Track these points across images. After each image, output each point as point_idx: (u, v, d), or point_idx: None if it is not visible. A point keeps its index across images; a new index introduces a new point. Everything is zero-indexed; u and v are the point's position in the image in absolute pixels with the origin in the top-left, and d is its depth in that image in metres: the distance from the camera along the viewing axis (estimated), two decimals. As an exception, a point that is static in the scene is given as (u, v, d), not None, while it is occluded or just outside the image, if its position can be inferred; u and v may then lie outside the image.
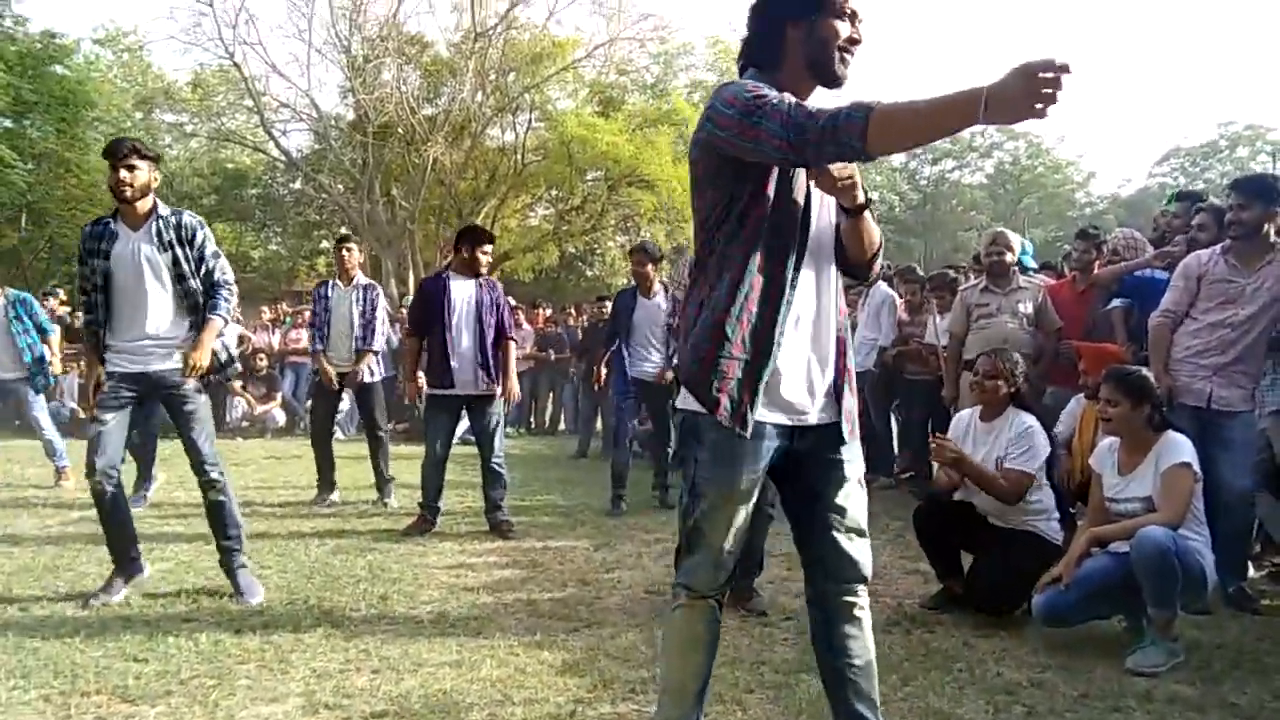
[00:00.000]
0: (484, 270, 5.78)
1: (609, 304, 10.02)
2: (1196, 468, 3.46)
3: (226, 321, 4.08)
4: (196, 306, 4.01)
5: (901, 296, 7.66)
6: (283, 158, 24.21)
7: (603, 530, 5.70)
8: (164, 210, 4.02)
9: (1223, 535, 3.82)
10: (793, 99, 1.96)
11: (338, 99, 24.08)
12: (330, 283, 6.75)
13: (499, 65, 22.07)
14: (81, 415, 9.78)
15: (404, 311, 14.76)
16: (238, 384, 11.06)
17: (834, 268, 2.22)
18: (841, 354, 2.22)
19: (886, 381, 7.47)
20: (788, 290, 2.08)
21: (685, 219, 21.54)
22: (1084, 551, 3.45)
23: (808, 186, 2.11)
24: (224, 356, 4.12)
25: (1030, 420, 3.97)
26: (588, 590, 4.28)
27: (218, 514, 4.06)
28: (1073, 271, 6.05)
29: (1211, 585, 3.51)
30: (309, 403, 8.47)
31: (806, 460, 2.20)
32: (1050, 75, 1.63)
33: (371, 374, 6.69)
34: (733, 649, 3.44)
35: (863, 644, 2.23)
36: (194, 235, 4.01)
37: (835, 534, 2.19)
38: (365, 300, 6.64)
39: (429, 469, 5.62)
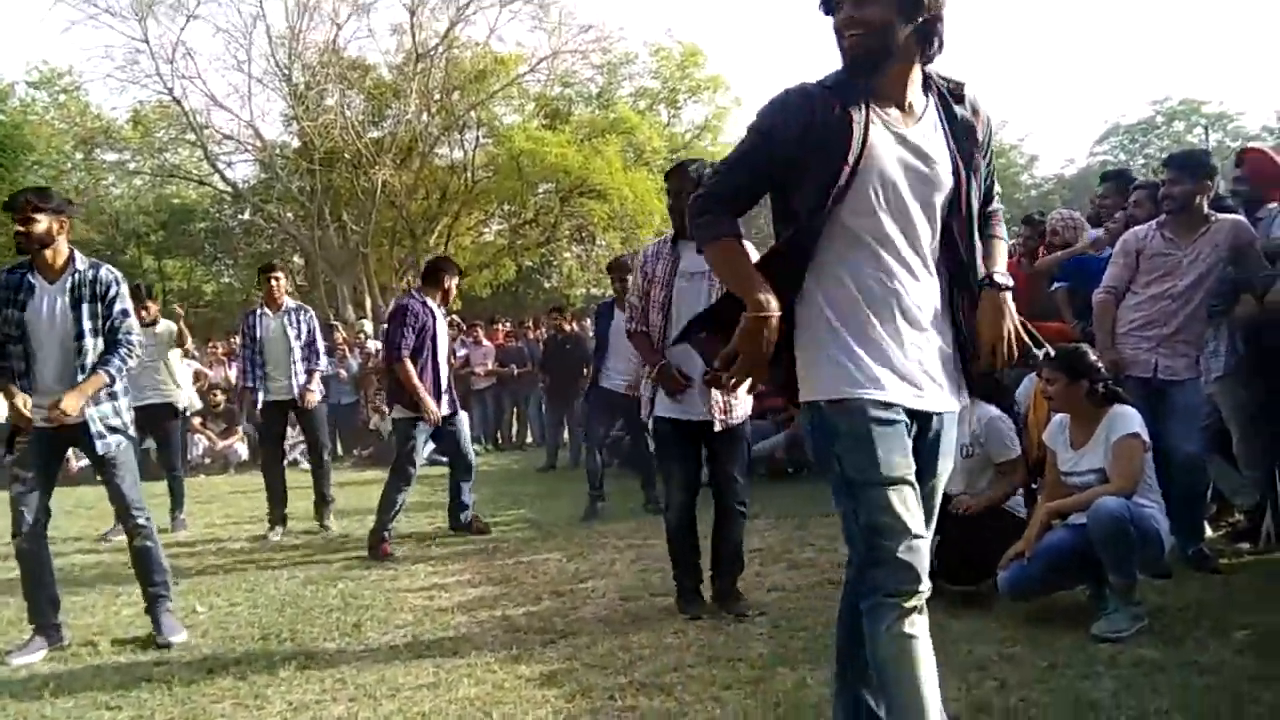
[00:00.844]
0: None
1: (563, 314, 10.09)
2: (1145, 437, 3.55)
3: (113, 380, 3.89)
4: (83, 366, 3.87)
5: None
6: (229, 189, 23.98)
7: (575, 541, 5.71)
8: (81, 264, 3.92)
9: (1177, 500, 3.93)
10: (725, 170, 2.15)
11: (281, 127, 23.90)
12: (259, 311, 6.66)
13: (443, 85, 22.05)
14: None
15: (361, 336, 14.69)
16: (197, 420, 10.92)
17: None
18: None
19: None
20: None
21: (639, 224, 21.67)
22: (1044, 525, 3.53)
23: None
24: (183, 404, 4.07)
25: (992, 411, 4.05)
26: (562, 602, 4.29)
27: (144, 560, 4.00)
28: (1019, 256, 6.17)
29: (1169, 548, 3.60)
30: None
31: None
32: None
33: (314, 396, 6.63)
34: (709, 647, 3.47)
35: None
36: (108, 290, 3.91)
37: None
38: (299, 323, 6.61)
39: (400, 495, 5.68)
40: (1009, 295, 2.12)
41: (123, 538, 6.21)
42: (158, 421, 6.80)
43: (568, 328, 10.51)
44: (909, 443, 2.04)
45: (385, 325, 7.04)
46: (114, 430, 3.94)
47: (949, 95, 2.10)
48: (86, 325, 3.87)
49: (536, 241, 24.08)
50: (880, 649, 2.02)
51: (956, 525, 3.92)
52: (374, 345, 13.85)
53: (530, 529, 6.27)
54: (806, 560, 4.76)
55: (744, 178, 2.10)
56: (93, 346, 3.89)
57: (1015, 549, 3.54)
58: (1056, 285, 5.45)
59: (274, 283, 6.65)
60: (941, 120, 2.08)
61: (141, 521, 3.98)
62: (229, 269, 29.01)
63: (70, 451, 4.68)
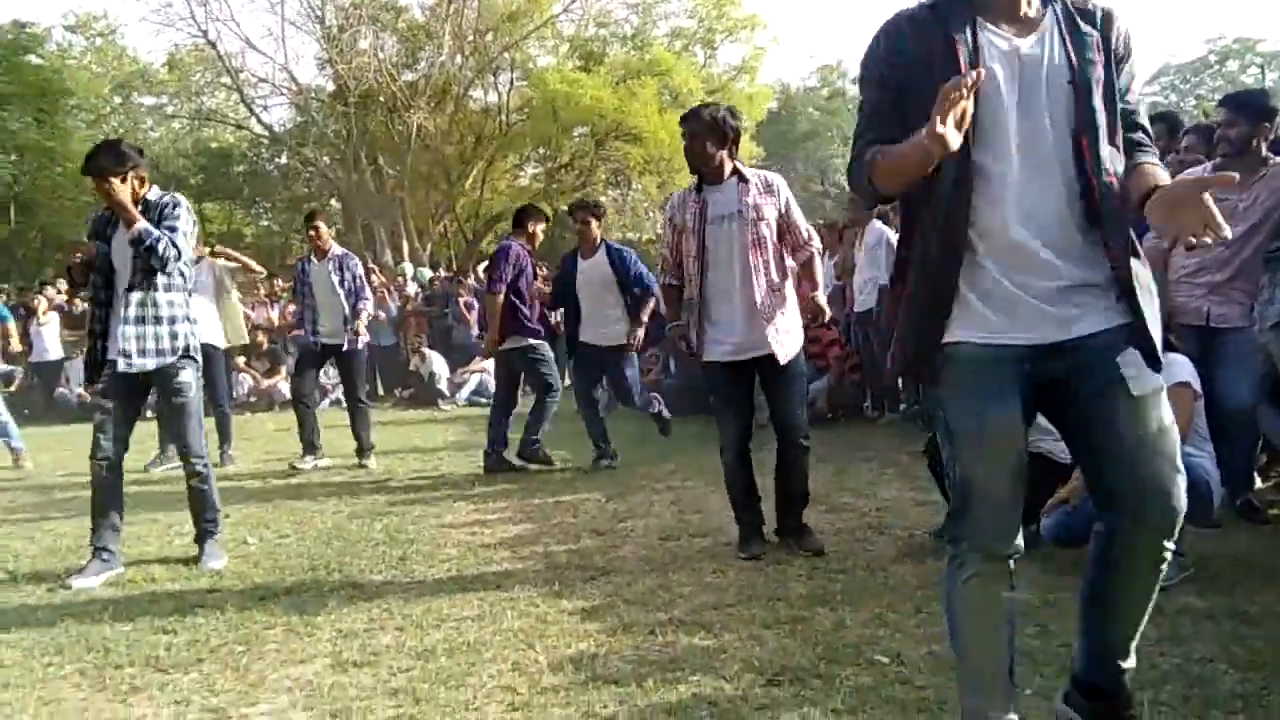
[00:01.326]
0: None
1: None
2: (1197, 386, 3.49)
3: (156, 240, 3.90)
4: (173, 286, 4.08)
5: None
6: (266, 133, 24.04)
7: (614, 481, 5.77)
8: (153, 196, 4.06)
9: (1227, 449, 3.87)
10: (860, 138, 1.99)
11: (316, 70, 23.95)
12: (308, 259, 6.86)
13: (475, 26, 21.83)
14: (87, 399, 9.88)
15: (400, 280, 14.77)
16: (241, 360, 11.11)
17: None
18: None
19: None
20: None
21: (675, 169, 21.45)
22: None
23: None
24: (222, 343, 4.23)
25: None
26: (603, 540, 4.34)
27: (198, 499, 4.21)
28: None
29: (1219, 499, 3.55)
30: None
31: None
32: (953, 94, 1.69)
33: (352, 342, 6.74)
34: (748, 586, 3.50)
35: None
36: (162, 210, 4.02)
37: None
38: (343, 270, 6.74)
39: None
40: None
41: (165, 469, 6.47)
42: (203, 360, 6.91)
43: None
44: (1016, 386, 1.90)
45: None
46: (189, 359, 4.13)
47: (1071, 6, 1.93)
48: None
49: (572, 186, 23.92)
50: (953, 600, 2.04)
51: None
52: (413, 288, 13.95)
53: (569, 470, 6.33)
54: (845, 504, 4.77)
55: (877, 133, 1.95)
56: (162, 284, 4.04)
57: (1059, 495, 3.51)
58: None
59: (314, 231, 6.78)
60: (1061, 32, 1.90)
61: (200, 468, 4.18)
62: (267, 212, 29.24)
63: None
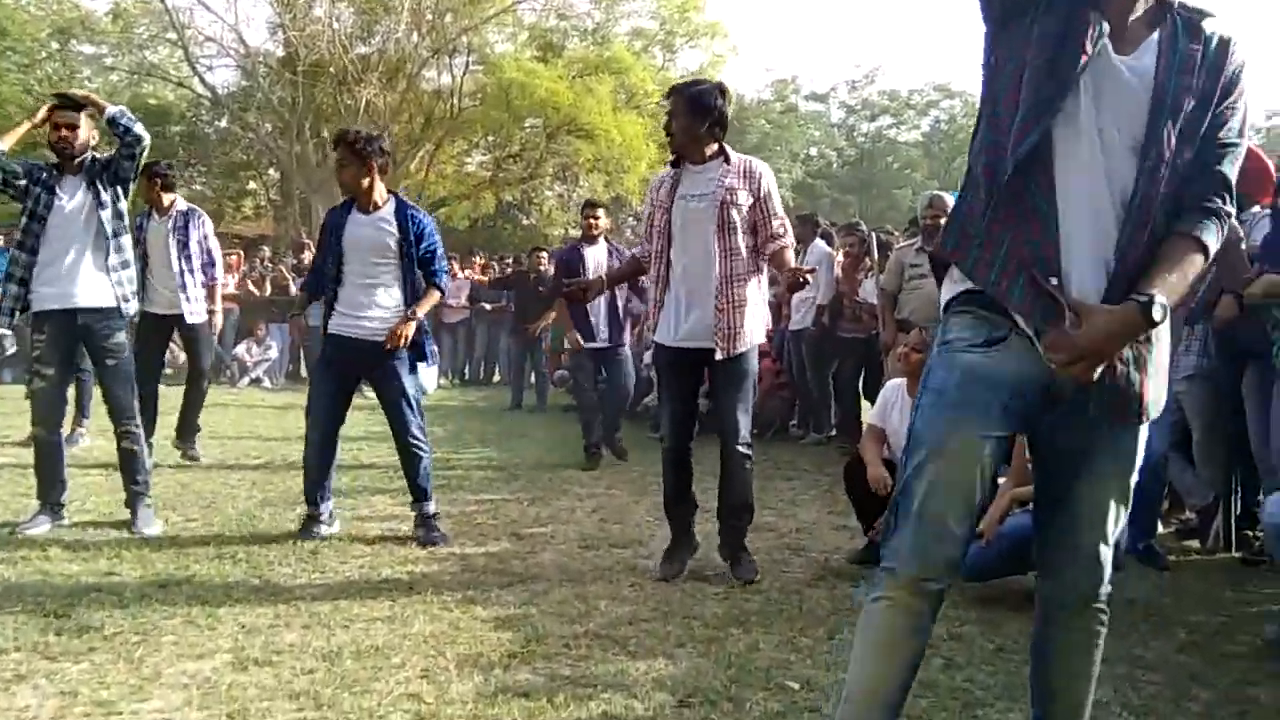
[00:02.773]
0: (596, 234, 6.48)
1: (543, 254, 9.91)
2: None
3: (132, 118, 4.18)
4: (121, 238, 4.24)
5: (842, 251, 7.77)
6: (208, 94, 23.31)
7: (537, 485, 5.72)
8: (96, 156, 4.22)
9: (1135, 498, 3.98)
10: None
11: (267, 35, 23.22)
12: (147, 215, 6.14)
13: (435, 5, 21.45)
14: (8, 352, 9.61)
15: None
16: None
17: None
18: None
19: (821, 340, 7.58)
20: None
21: (624, 169, 21.43)
22: (1005, 510, 3.57)
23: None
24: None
25: None
26: (521, 545, 4.30)
27: (130, 462, 4.27)
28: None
29: (1122, 544, 3.66)
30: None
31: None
32: None
33: (194, 314, 6.08)
34: (664, 603, 3.49)
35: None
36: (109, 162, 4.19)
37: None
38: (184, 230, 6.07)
39: (591, 411, 6.41)
40: (1140, 327, 1.69)
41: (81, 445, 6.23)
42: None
43: (543, 267, 10.24)
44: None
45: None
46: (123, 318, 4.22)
47: (1185, 26, 1.78)
48: (108, 210, 4.17)
49: (519, 177, 23.73)
50: (861, 618, 1.91)
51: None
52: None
53: (492, 469, 6.27)
54: (764, 524, 4.78)
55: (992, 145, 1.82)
56: (114, 229, 4.19)
57: (1018, 496, 3.57)
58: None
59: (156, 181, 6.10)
60: (1162, 49, 1.76)
61: (133, 428, 4.22)
62: (202, 176, 28.35)
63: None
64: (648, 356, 8.39)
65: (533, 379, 10.32)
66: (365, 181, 4.19)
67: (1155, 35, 1.78)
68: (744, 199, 3.72)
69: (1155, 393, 1.83)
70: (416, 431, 4.32)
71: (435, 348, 4.57)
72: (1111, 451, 1.87)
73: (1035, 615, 2.05)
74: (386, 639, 3.02)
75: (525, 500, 5.26)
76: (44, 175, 4.10)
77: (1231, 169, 1.78)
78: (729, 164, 3.75)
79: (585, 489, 5.63)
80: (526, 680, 2.73)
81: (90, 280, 4.10)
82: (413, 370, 4.30)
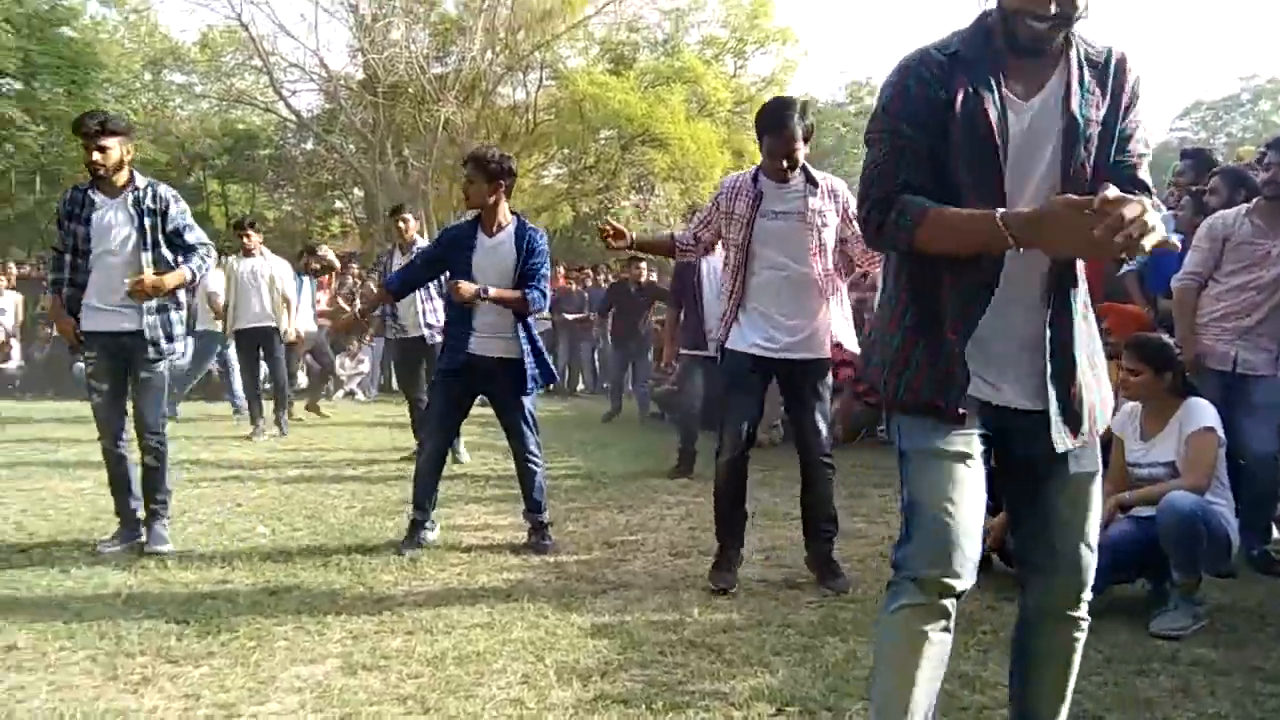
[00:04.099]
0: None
1: (642, 265, 9.88)
2: (1220, 432, 3.47)
3: (194, 277, 4.25)
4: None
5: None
6: (293, 118, 24.11)
7: (625, 493, 5.77)
8: (140, 182, 4.18)
9: (1247, 499, 3.85)
10: (871, 195, 1.91)
11: (347, 58, 23.92)
12: (392, 250, 6.83)
13: (508, 23, 21.84)
14: None
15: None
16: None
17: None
18: None
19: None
20: None
21: (700, 177, 21.45)
22: (1109, 517, 3.48)
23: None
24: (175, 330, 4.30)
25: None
26: (613, 553, 4.34)
27: (150, 478, 4.26)
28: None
29: (1236, 549, 3.53)
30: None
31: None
32: (1088, 214, 1.59)
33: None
34: (758, 611, 3.49)
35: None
36: (166, 207, 4.18)
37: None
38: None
39: (691, 420, 6.50)
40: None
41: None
42: (260, 343, 8.01)
43: (642, 279, 10.04)
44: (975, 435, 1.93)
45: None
46: (169, 339, 4.23)
47: (1086, 61, 1.91)
48: (149, 238, 4.15)
49: (595, 188, 23.94)
50: (882, 628, 1.93)
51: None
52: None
53: (580, 478, 6.34)
54: (857, 531, 4.75)
55: (910, 161, 1.89)
56: (156, 259, 4.16)
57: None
58: (1126, 269, 5.29)
59: (403, 224, 6.67)
60: (1069, 91, 1.88)
61: (154, 443, 4.25)
62: (290, 197, 29.31)
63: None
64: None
65: (630, 388, 10.33)
66: (491, 200, 4.32)
67: (1058, 73, 1.89)
68: (832, 219, 3.75)
69: (1101, 410, 2.00)
70: (534, 448, 4.46)
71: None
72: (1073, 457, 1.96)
73: (1017, 620, 2.12)
74: (487, 645, 3.09)
75: (614, 508, 5.30)
76: (79, 209, 4.14)
77: (1147, 174, 1.93)
78: (815, 184, 3.74)
79: (673, 497, 5.65)
80: (625, 687, 2.76)
81: (128, 309, 4.15)
82: (527, 390, 4.40)
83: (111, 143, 4.06)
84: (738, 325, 3.80)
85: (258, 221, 9.27)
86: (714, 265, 6.40)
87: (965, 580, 1.85)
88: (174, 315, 4.28)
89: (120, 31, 24.81)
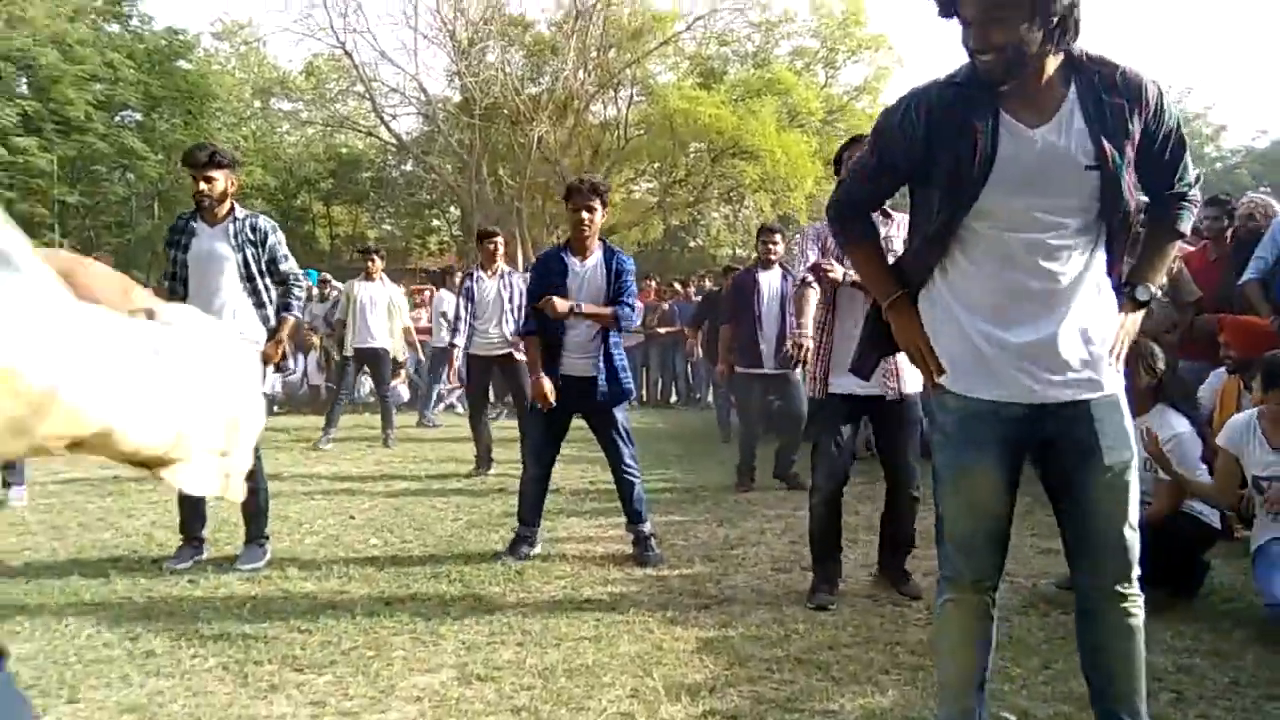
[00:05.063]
0: (773, 259, 6.49)
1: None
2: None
3: (299, 319, 4.60)
4: (262, 302, 4.39)
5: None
6: (394, 141, 24.91)
7: (723, 506, 5.77)
8: (240, 213, 4.40)
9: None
10: (851, 178, 2.31)
11: (445, 82, 24.64)
12: (475, 274, 6.93)
13: (600, 42, 22.18)
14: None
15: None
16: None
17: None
18: None
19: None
20: None
21: (790, 188, 21.34)
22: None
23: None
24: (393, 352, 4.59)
25: (1181, 427, 3.72)
26: (714, 567, 4.35)
27: (251, 503, 4.31)
28: (1205, 240, 5.76)
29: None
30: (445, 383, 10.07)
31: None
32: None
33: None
34: (864, 628, 3.46)
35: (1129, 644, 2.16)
36: (265, 238, 4.39)
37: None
38: (510, 285, 6.82)
39: (750, 436, 6.50)
40: (1138, 313, 2.20)
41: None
42: (370, 363, 8.76)
43: None
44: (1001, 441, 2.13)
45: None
46: (279, 371, 4.58)
47: (1098, 79, 1.98)
48: (252, 268, 4.36)
49: (685, 201, 24.06)
50: (935, 621, 2.33)
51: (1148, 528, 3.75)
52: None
53: (678, 491, 6.37)
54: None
55: (869, 186, 2.27)
56: (262, 287, 4.38)
57: None
58: (1248, 278, 5.06)
59: (492, 246, 6.86)
60: (1087, 110, 1.97)
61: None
62: (390, 217, 30.28)
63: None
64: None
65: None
66: (599, 225, 4.52)
67: (1069, 101, 1.99)
68: (898, 245, 3.66)
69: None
70: (630, 460, 4.54)
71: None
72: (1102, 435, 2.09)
73: (1075, 607, 2.27)
74: (595, 658, 3.14)
75: (714, 522, 5.32)
76: (180, 236, 4.35)
77: (1189, 177, 2.15)
78: (889, 217, 3.74)
79: (773, 510, 5.63)
80: (734, 704, 2.77)
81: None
82: (619, 404, 4.51)
83: (218, 175, 4.29)
84: (834, 363, 3.79)
85: (381, 250, 9.87)
86: (772, 282, 6.37)
87: (995, 576, 2.24)
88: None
89: (232, 62, 26.10)
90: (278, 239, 4.46)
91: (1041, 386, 2.06)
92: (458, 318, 6.92)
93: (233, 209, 4.38)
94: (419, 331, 12.45)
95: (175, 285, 4.34)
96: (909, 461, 3.87)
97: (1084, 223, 2.03)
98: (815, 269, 3.86)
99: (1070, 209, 2.01)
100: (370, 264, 8.90)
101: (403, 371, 11.99)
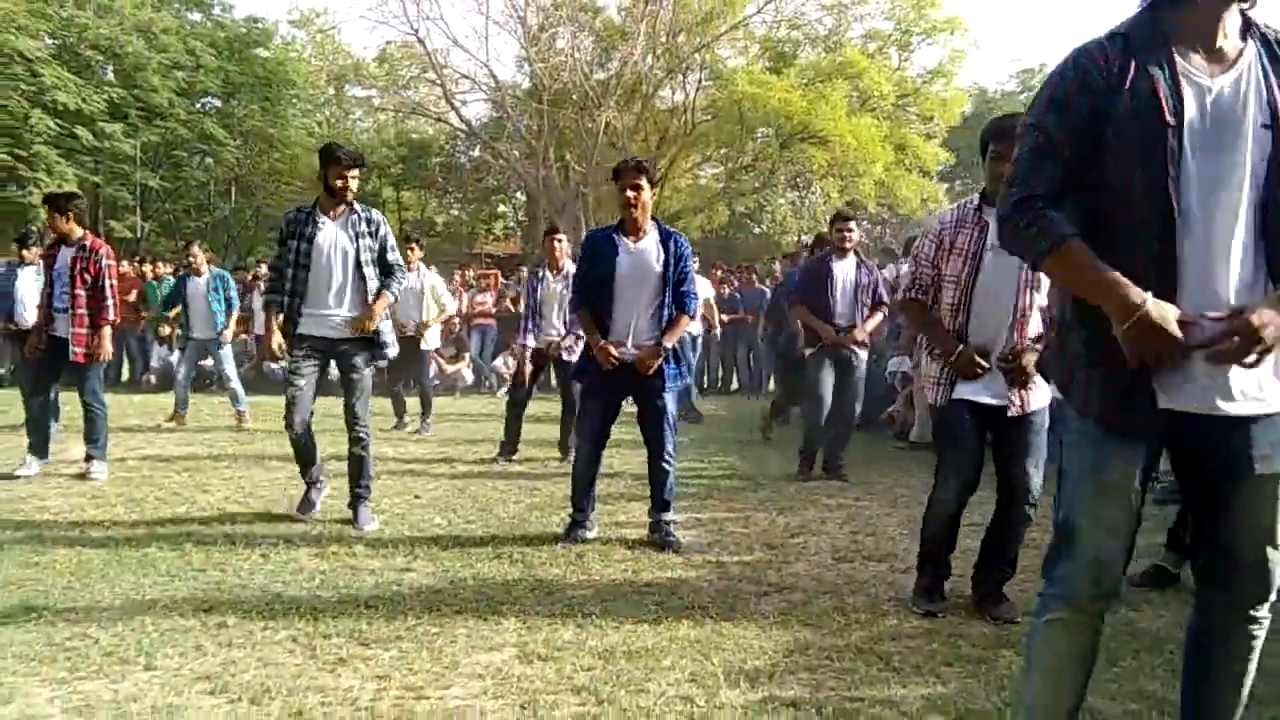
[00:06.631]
0: (848, 247, 6.31)
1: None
2: None
3: (395, 299, 4.92)
4: (368, 291, 4.74)
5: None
6: (463, 127, 25.18)
7: (784, 495, 5.74)
8: (358, 207, 4.77)
9: None
10: (1017, 186, 1.88)
11: (514, 69, 24.84)
12: (540, 273, 6.93)
13: (669, 27, 22.07)
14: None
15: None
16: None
17: None
18: None
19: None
20: None
21: (859, 174, 21.04)
22: None
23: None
24: (386, 338, 4.85)
25: None
26: (775, 554, 4.34)
27: (358, 466, 4.77)
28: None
29: None
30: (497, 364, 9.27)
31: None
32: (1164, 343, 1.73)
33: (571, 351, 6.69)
34: (927, 620, 3.42)
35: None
36: (378, 229, 4.79)
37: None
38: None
39: (816, 421, 6.36)
40: None
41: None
42: (410, 348, 8.21)
43: None
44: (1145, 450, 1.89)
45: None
46: (380, 346, 4.80)
47: (1275, 44, 1.82)
48: (365, 256, 4.73)
49: (752, 187, 23.88)
50: (1034, 639, 2.07)
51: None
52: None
53: (738, 478, 6.35)
54: (1031, 540, 4.53)
55: (1054, 165, 1.85)
56: (371, 275, 4.73)
57: None
58: None
59: (557, 245, 6.87)
60: (1263, 72, 1.79)
61: (362, 434, 4.74)
62: (458, 202, 30.65)
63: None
64: (893, 364, 8.21)
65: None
66: (650, 204, 4.52)
67: (1248, 54, 1.81)
68: None
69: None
70: (671, 448, 4.54)
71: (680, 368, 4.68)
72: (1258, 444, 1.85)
73: (1191, 620, 2.07)
74: (655, 641, 3.16)
75: (774, 510, 5.29)
76: (304, 228, 4.66)
77: None
78: None
79: (834, 499, 5.59)
80: (793, 691, 2.76)
81: (347, 315, 4.72)
82: (667, 389, 4.49)
83: (355, 174, 4.70)
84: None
85: (423, 238, 9.92)
86: (847, 273, 6.24)
87: (1115, 596, 1.97)
88: (382, 325, 4.80)
89: (308, 50, 26.60)
90: (387, 231, 4.84)
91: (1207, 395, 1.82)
92: (525, 317, 6.97)
93: (350, 203, 4.75)
94: (483, 315, 12.65)
95: (298, 272, 4.66)
96: (1029, 470, 3.51)
97: (1257, 196, 1.80)
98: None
99: (1240, 177, 1.78)
100: (410, 251, 8.50)
101: (467, 355, 12.18)
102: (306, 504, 4.91)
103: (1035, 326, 3.45)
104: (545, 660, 2.98)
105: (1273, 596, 1.91)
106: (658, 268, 4.44)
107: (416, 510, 5.12)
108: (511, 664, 2.95)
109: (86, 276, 5.85)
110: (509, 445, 6.96)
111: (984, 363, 3.44)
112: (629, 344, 4.47)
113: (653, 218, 4.57)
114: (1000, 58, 42.35)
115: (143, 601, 3.49)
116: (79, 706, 2.61)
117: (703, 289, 12.25)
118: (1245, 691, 1.99)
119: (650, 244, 4.48)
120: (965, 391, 3.49)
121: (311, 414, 4.80)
